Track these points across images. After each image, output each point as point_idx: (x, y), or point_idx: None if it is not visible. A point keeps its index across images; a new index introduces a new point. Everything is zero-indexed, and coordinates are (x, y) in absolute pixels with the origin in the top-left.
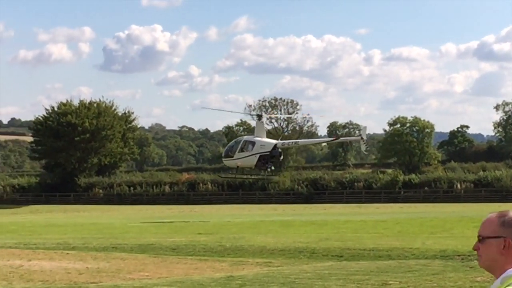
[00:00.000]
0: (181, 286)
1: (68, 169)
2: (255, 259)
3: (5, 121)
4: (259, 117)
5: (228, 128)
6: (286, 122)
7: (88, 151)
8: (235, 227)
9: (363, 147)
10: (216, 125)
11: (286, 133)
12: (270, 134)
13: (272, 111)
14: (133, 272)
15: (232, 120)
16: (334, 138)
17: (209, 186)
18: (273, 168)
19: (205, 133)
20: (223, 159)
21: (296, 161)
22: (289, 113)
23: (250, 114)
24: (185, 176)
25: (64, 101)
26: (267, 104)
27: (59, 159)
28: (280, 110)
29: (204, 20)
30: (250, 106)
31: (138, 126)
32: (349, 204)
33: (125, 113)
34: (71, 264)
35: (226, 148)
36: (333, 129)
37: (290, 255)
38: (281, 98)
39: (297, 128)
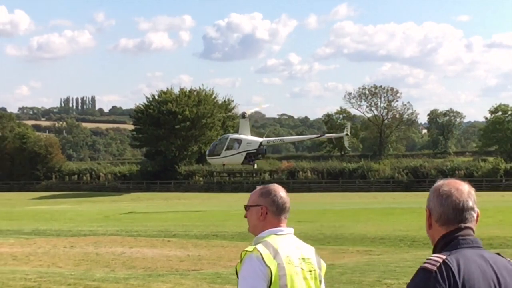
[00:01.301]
0: None
1: (169, 157)
2: (356, 247)
3: (106, 110)
4: (243, 115)
5: (328, 116)
6: (386, 110)
7: (189, 139)
8: (335, 215)
9: (346, 143)
10: (315, 113)
11: (386, 121)
12: (370, 122)
13: (372, 99)
14: (234, 259)
15: (332, 108)
16: (319, 135)
17: (309, 174)
18: (256, 166)
19: (304, 121)
20: (207, 157)
21: (396, 149)
22: (389, 101)
23: (350, 102)
24: (284, 164)
25: (165, 89)
26: (367, 92)
27: (160, 147)
28: (380, 98)
29: (304, 8)
30: (350, 94)
31: (238, 114)
32: None
33: (225, 101)
34: (172, 251)
35: (210, 147)
36: (434, 116)
37: (390, 244)
38: (381, 86)
39: (397, 115)
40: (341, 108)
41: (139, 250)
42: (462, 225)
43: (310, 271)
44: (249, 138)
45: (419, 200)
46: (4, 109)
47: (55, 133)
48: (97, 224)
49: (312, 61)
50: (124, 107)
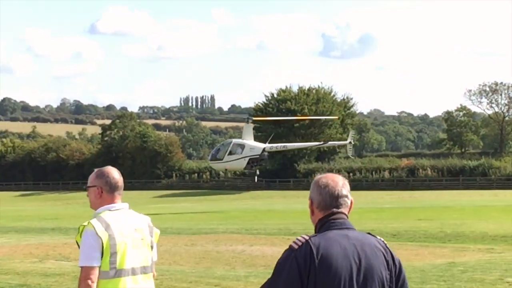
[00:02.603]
0: None
1: (288, 155)
2: (477, 245)
3: (225, 108)
4: (248, 120)
5: (448, 113)
6: (507, 107)
7: (308, 137)
8: (456, 213)
9: (349, 152)
10: (435, 110)
11: (507, 118)
12: (490, 119)
13: (492, 96)
14: None
15: (452, 105)
16: (322, 142)
17: (429, 172)
18: (258, 172)
19: (424, 118)
20: (209, 162)
21: None
22: (510, 98)
23: (470, 99)
24: (404, 161)
25: (284, 88)
26: (487, 89)
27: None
28: (501, 95)
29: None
30: (470, 90)
31: (357, 112)
32: None
33: (343, 99)
34: None
35: (212, 152)
36: None
37: None
38: (501, 82)
39: None
40: (461, 105)
41: (259, 248)
42: (335, 210)
43: (142, 239)
44: (252, 143)
45: None
46: (125, 109)
47: (175, 132)
48: (217, 222)
49: (432, 57)
50: (243, 106)
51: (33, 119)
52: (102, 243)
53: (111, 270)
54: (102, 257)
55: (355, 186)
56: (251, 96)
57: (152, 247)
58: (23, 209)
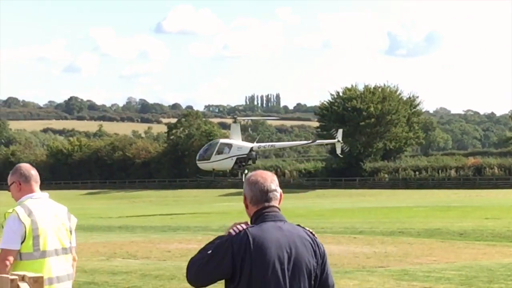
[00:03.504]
0: (469, 271)
1: (354, 154)
2: None
3: (291, 107)
4: (235, 120)
5: None
6: None
7: (373, 135)
8: None
9: (338, 150)
10: (502, 108)
11: None
12: None
13: None
14: (421, 256)
15: None
16: (311, 141)
17: (496, 171)
18: (246, 171)
19: (490, 116)
20: (197, 162)
21: None
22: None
23: None
24: (471, 160)
25: (349, 86)
26: None
27: (345, 144)
28: None
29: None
30: None
31: (423, 110)
32: None
33: (409, 97)
34: (359, 248)
35: (200, 151)
36: None
37: None
38: None
39: None
40: None
41: (325, 247)
42: (267, 204)
43: (63, 224)
44: (239, 143)
45: None
46: (190, 107)
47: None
48: None
49: (498, 55)
50: (308, 104)
51: (100, 118)
52: (25, 228)
53: (35, 252)
54: (24, 240)
55: (421, 184)
56: (317, 94)
57: (71, 232)
58: (90, 207)
